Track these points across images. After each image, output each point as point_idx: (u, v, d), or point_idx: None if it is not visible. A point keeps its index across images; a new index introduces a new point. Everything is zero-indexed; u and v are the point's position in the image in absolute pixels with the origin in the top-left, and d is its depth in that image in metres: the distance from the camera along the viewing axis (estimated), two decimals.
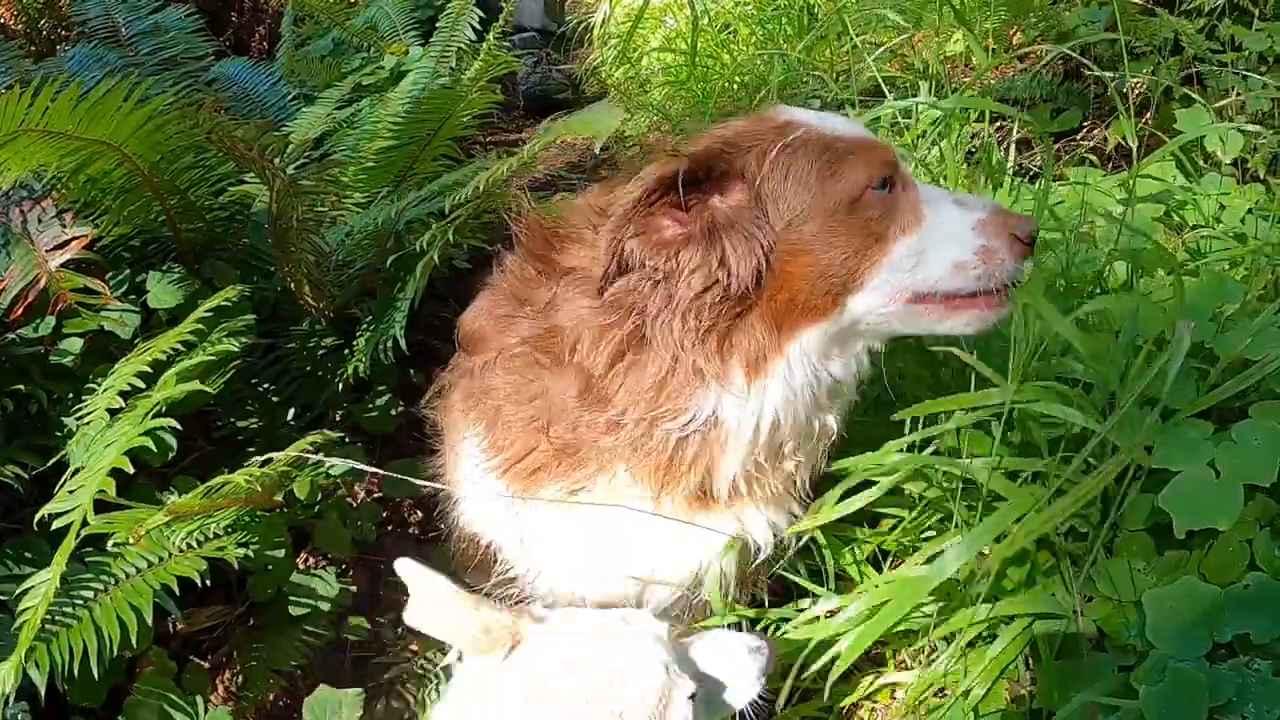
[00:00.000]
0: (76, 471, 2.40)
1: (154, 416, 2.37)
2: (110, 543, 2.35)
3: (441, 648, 2.82)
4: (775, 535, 2.35)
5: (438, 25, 4.49)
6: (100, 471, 2.23)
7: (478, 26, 4.37)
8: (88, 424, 2.52)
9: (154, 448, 2.35)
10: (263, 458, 2.41)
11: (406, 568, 1.93)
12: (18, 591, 2.24)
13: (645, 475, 2.15)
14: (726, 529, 2.27)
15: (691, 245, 1.95)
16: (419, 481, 2.51)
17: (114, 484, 2.23)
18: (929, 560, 2.34)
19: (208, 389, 2.54)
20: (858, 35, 4.22)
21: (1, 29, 6.21)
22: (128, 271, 3.04)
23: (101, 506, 2.25)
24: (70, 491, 2.27)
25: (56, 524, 2.23)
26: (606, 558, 2.29)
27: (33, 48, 5.64)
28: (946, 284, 2.09)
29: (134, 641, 2.30)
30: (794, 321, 2.03)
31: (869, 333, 2.16)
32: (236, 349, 2.61)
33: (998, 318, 2.15)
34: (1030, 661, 2.37)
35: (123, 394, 2.46)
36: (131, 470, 2.29)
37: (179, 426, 2.46)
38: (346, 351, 3.18)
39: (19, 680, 2.18)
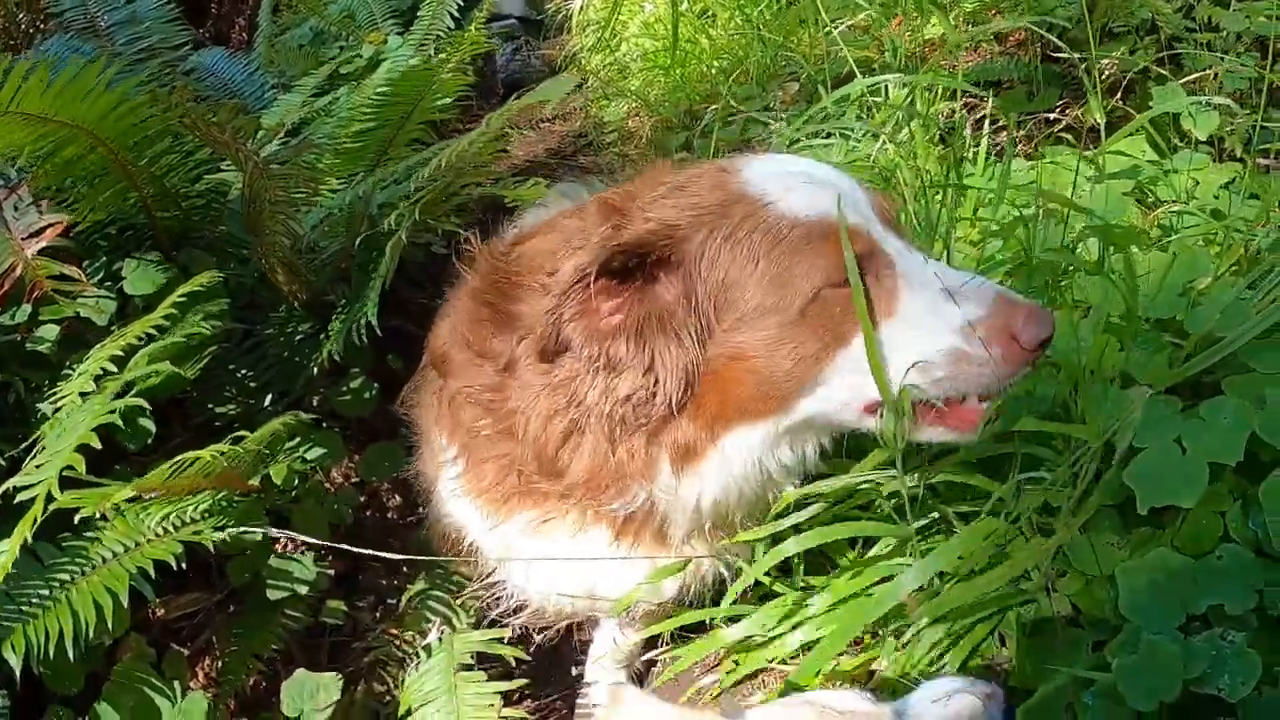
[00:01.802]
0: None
1: (123, 395, 2.36)
2: (78, 517, 2.33)
3: (421, 630, 2.84)
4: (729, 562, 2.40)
5: (418, 14, 4.52)
6: (68, 448, 2.22)
7: (457, 15, 4.38)
8: (60, 408, 2.51)
9: (123, 425, 2.34)
10: (233, 435, 2.41)
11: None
12: None
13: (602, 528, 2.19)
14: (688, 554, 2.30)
15: (622, 339, 1.87)
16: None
17: (83, 460, 2.21)
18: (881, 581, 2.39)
19: (184, 373, 2.55)
20: (833, 20, 4.20)
21: None
22: (104, 259, 3.04)
23: (72, 485, 2.23)
24: (37, 466, 2.26)
25: (20, 497, 2.22)
26: (575, 573, 2.31)
27: (11, 41, 5.64)
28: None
29: (110, 625, 2.29)
30: (729, 419, 1.95)
31: (824, 429, 2.08)
32: (208, 331, 2.60)
33: (964, 438, 2.02)
34: (1004, 639, 2.38)
35: (96, 378, 2.45)
36: (99, 445, 2.27)
37: (146, 405, 2.46)
38: (322, 336, 3.17)
39: None
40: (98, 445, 2.26)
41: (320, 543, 2.61)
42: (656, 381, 1.87)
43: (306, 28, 5.71)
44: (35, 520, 2.14)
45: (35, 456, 2.34)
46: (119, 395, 2.37)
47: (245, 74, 4.53)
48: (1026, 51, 4.25)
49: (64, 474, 2.21)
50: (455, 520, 2.47)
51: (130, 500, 2.46)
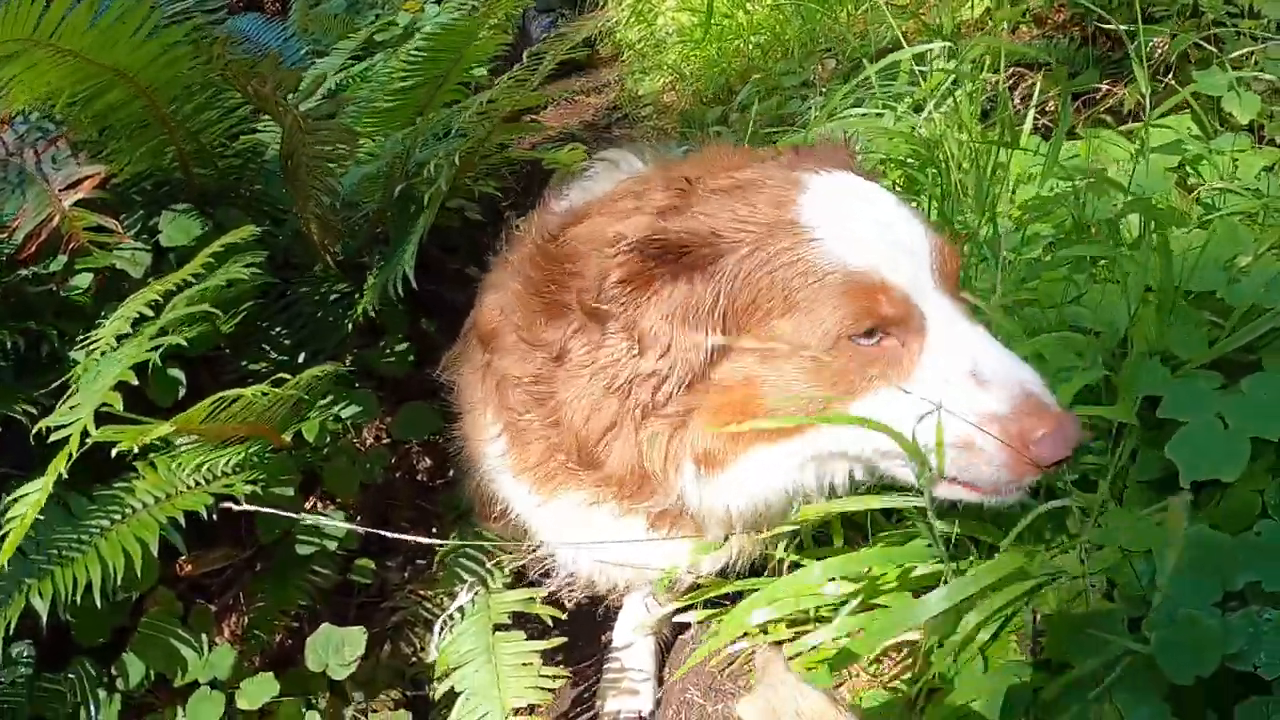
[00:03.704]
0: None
1: (159, 336, 2.36)
2: (114, 452, 2.32)
3: (450, 591, 2.84)
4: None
5: None
6: (104, 386, 2.22)
7: None
8: (93, 351, 2.51)
9: (157, 369, 2.33)
10: (275, 378, 2.42)
11: (775, 670, 1.72)
12: (10, 499, 2.22)
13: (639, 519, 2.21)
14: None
15: (654, 315, 1.87)
16: None
17: (119, 398, 2.21)
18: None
19: (220, 326, 2.54)
20: None
21: None
22: (140, 214, 3.05)
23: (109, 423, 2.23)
24: (71, 407, 2.26)
25: (54, 436, 2.22)
26: (617, 548, 2.30)
27: None
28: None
29: (139, 573, 2.29)
30: (748, 437, 1.92)
31: (852, 461, 2.01)
32: (246, 277, 2.59)
33: (988, 501, 1.90)
34: (1037, 614, 2.37)
35: (133, 322, 2.45)
36: (135, 382, 2.28)
37: (185, 343, 2.47)
38: (356, 295, 3.18)
39: None
40: (134, 382, 2.26)
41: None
42: (670, 366, 1.87)
43: None
44: (71, 456, 2.13)
45: (68, 398, 2.33)
46: (156, 338, 2.36)
47: (281, 39, 4.53)
48: (1066, 34, 4.23)
49: (102, 411, 2.20)
50: (500, 493, 2.48)
51: (162, 450, 2.47)
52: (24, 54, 2.35)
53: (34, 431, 2.31)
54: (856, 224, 1.85)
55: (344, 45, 4.38)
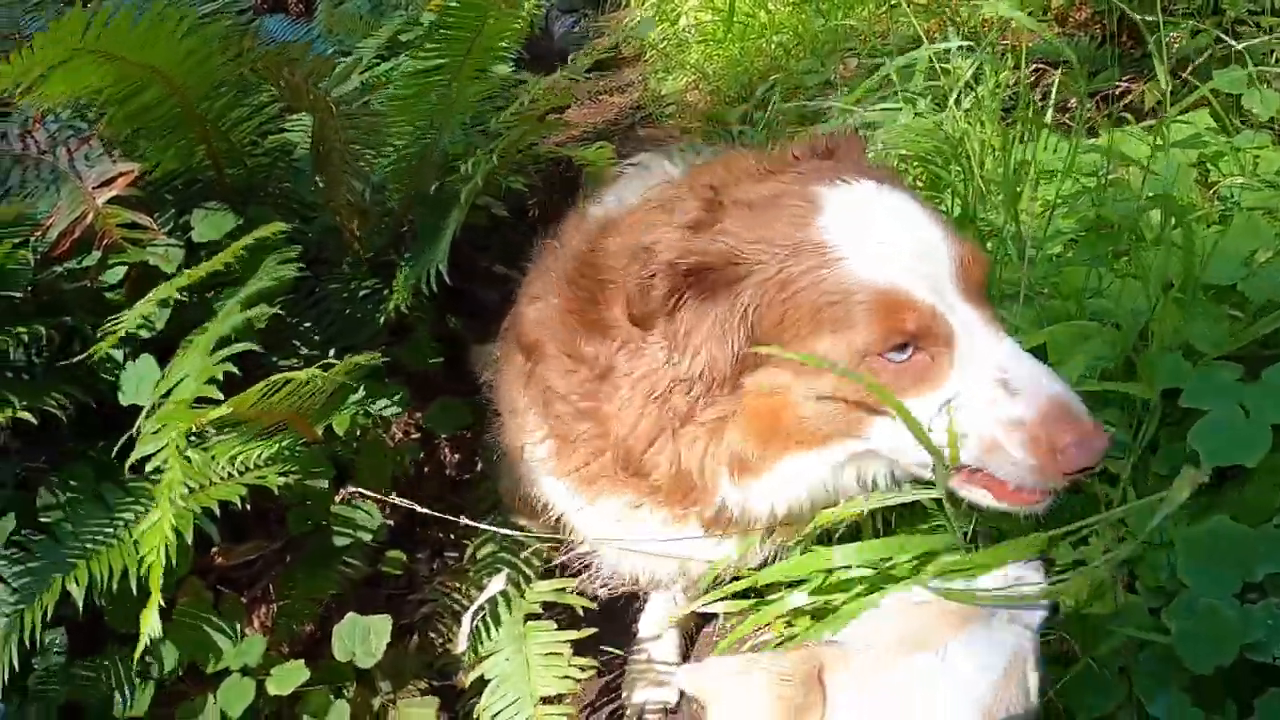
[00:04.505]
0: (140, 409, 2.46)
1: (224, 345, 2.41)
2: (137, 454, 2.39)
3: (477, 584, 2.88)
4: None
5: None
6: (183, 403, 2.28)
7: None
8: (118, 331, 2.59)
9: (236, 370, 2.37)
10: (323, 363, 2.47)
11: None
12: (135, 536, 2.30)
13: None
14: None
15: (688, 320, 1.90)
16: None
17: (204, 416, 2.27)
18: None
19: (269, 311, 2.59)
20: None
21: None
22: (172, 212, 3.09)
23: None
24: (154, 432, 2.31)
25: (150, 466, 2.29)
26: (660, 547, 2.34)
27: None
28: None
29: (174, 561, 2.33)
30: (781, 445, 1.96)
31: (887, 462, 2.05)
32: (293, 273, 2.67)
33: (1023, 509, 1.91)
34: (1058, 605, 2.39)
35: (164, 303, 2.52)
36: (220, 397, 2.31)
37: (257, 348, 2.52)
38: (386, 291, 3.22)
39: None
40: (219, 397, 2.31)
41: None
42: (701, 372, 1.91)
43: None
44: (180, 483, 2.24)
45: (144, 420, 2.40)
46: (219, 345, 2.41)
47: (307, 39, 4.54)
48: (1087, 30, 4.25)
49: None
50: (542, 493, 2.52)
51: (194, 442, 2.51)
52: (71, 60, 2.41)
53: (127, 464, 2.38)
54: (879, 240, 1.84)
55: (369, 43, 4.44)
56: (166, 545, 2.30)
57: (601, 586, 2.75)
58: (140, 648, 2.32)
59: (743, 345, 1.86)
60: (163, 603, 2.30)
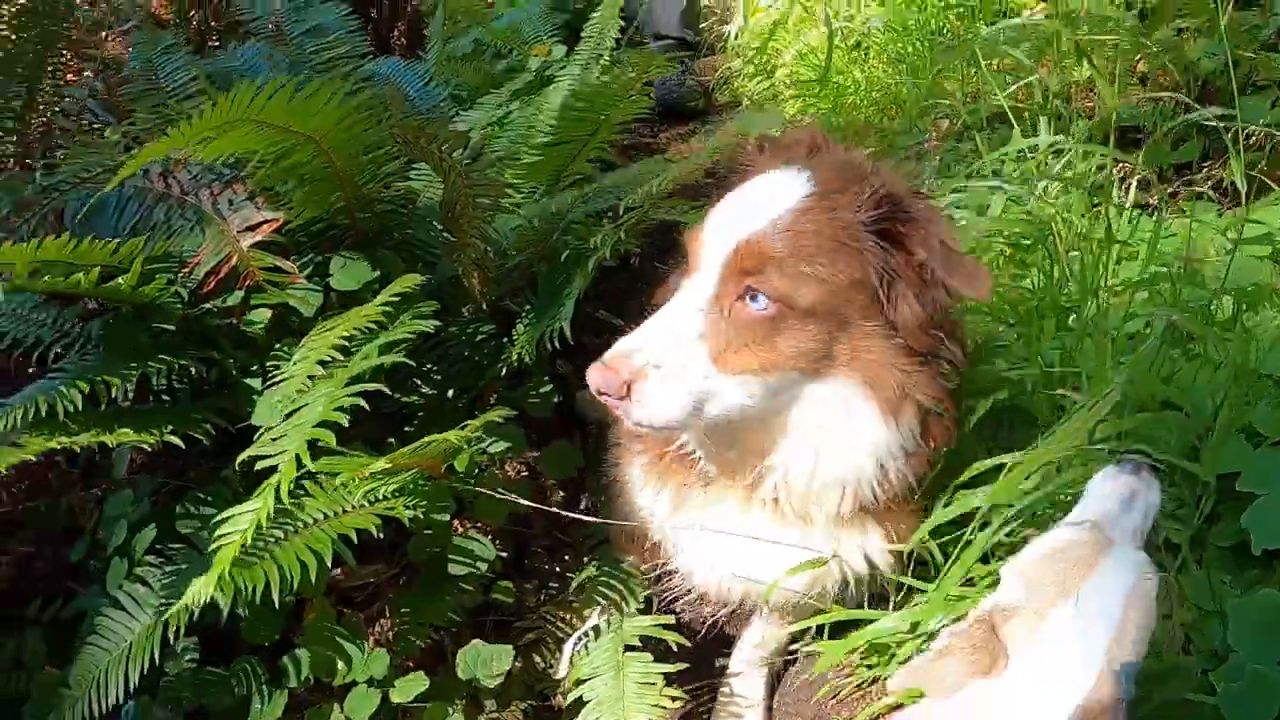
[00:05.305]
0: (269, 429, 2.65)
1: (354, 382, 2.62)
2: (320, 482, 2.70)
3: (582, 614, 3.08)
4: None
5: (582, 34, 4.65)
6: (308, 423, 2.48)
7: (619, 36, 4.55)
8: (280, 386, 2.76)
9: (364, 405, 2.57)
10: (464, 424, 2.66)
11: None
12: (221, 516, 2.47)
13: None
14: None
15: None
16: None
17: (333, 435, 2.48)
18: None
19: (398, 359, 2.80)
20: (985, 61, 4.34)
21: (156, 20, 6.50)
22: (309, 255, 3.29)
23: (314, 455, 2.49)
24: (274, 439, 2.51)
25: (261, 465, 2.47)
26: (735, 554, 2.53)
27: (186, 39, 5.90)
28: None
29: (313, 579, 2.55)
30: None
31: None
32: (429, 329, 2.87)
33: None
34: None
35: (322, 363, 2.70)
36: (346, 423, 2.51)
37: (386, 390, 2.73)
38: (506, 340, 3.39)
39: (209, 594, 2.42)
40: (345, 423, 2.51)
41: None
42: None
43: (469, 39, 5.92)
44: (291, 480, 2.40)
45: (265, 432, 2.60)
46: (352, 381, 2.62)
47: (420, 83, 4.65)
48: (1172, 99, 4.32)
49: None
50: (643, 510, 2.72)
51: (329, 475, 2.72)
52: (236, 127, 2.63)
53: (240, 461, 2.57)
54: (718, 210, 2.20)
55: (488, 100, 4.59)
56: (304, 564, 2.54)
57: (695, 618, 2.94)
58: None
59: None
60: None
